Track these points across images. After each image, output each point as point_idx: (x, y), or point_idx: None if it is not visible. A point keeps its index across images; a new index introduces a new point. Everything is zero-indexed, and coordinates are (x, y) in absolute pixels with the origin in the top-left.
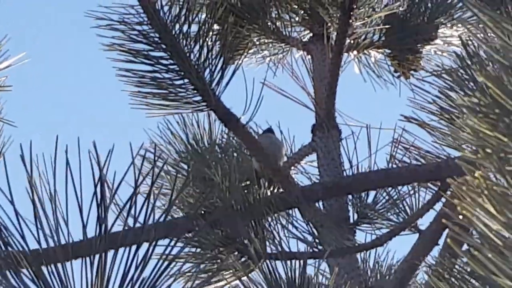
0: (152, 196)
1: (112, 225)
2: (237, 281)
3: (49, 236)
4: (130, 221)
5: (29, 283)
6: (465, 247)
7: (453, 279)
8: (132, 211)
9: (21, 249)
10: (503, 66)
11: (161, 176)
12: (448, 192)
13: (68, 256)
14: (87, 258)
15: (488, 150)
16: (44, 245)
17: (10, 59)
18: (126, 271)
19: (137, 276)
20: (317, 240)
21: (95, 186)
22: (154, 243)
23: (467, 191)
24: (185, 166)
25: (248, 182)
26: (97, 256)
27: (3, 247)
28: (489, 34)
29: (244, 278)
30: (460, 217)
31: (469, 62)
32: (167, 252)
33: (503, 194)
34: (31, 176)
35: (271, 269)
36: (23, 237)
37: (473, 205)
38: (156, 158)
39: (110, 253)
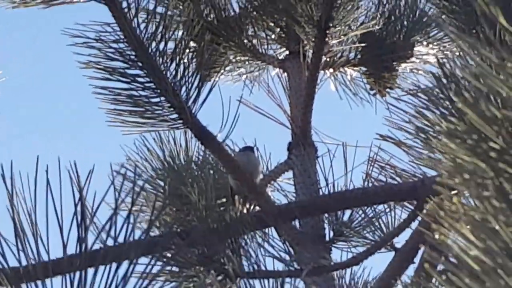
0: (131, 216)
1: (92, 245)
2: None
3: (29, 255)
4: (110, 241)
5: None
6: (440, 267)
7: None
8: (112, 231)
9: (0, 266)
10: (480, 92)
11: (139, 194)
12: (424, 211)
13: (48, 273)
14: (67, 276)
15: (466, 176)
16: (24, 263)
17: None
18: None
19: None
20: (293, 259)
21: (75, 206)
22: (134, 261)
23: (444, 216)
24: (162, 183)
25: (224, 200)
26: (77, 274)
27: None
28: (465, 57)
29: None
30: (436, 237)
31: (445, 82)
32: (147, 270)
33: (481, 219)
34: (11, 195)
35: (248, 287)
36: (3, 254)
37: (450, 230)
38: (135, 177)
39: (91, 271)
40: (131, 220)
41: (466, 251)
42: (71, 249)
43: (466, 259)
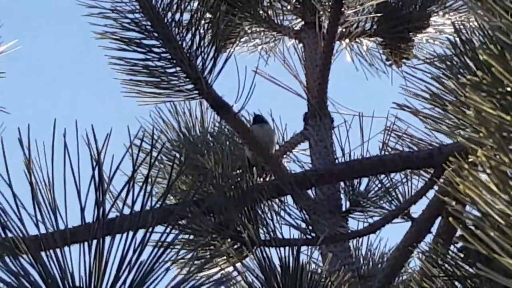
0: (149, 181)
1: (110, 209)
2: (231, 268)
3: (47, 219)
4: (126, 209)
5: (28, 268)
6: (459, 233)
7: (446, 265)
8: (129, 199)
9: (19, 233)
10: (505, 45)
11: (155, 165)
12: (441, 180)
13: (67, 241)
14: (85, 243)
15: (491, 129)
16: (42, 230)
17: (3, 46)
18: (124, 255)
19: (135, 260)
20: (310, 227)
21: (93, 170)
22: (150, 229)
23: (469, 169)
24: (177, 155)
25: (241, 171)
26: (95, 241)
27: (1, 231)
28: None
29: (238, 264)
30: (454, 203)
31: (462, 49)
32: (162, 238)
33: (506, 172)
34: (29, 160)
35: (265, 255)
36: (21, 220)
37: (475, 184)
38: (152, 146)
39: (108, 239)
40: (147, 188)
41: (491, 205)
42: (88, 214)
43: (491, 213)
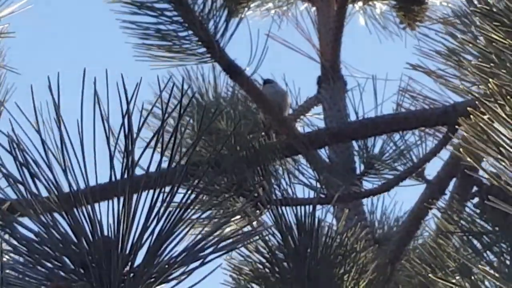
0: (179, 128)
1: (139, 159)
2: (248, 226)
3: (76, 176)
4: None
5: (58, 219)
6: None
7: (462, 222)
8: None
9: (51, 185)
10: None
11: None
12: (455, 141)
13: (96, 198)
14: (114, 197)
15: (503, 57)
16: (73, 185)
17: (13, 6)
18: (152, 206)
19: (163, 210)
20: (323, 187)
21: (123, 118)
22: (175, 189)
23: (482, 99)
24: (191, 121)
25: (254, 135)
26: (122, 199)
27: (32, 183)
28: None
29: (254, 222)
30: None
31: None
32: (186, 196)
33: None
34: (58, 107)
35: (281, 213)
36: (52, 172)
37: (489, 115)
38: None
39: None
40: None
41: (503, 134)
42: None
43: (503, 144)
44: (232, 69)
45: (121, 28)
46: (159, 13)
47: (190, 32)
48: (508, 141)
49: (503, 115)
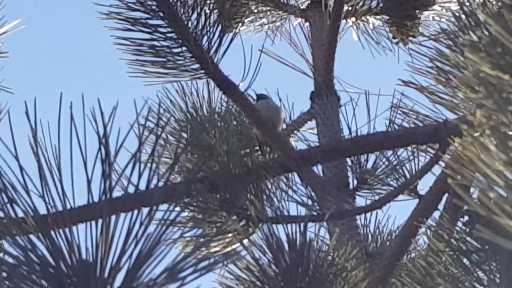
0: (156, 153)
1: (116, 183)
2: (237, 245)
3: (53, 198)
4: (131, 188)
5: (36, 242)
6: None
7: (452, 240)
8: (135, 176)
9: (28, 207)
10: (504, 4)
11: (161, 145)
12: (447, 156)
13: (74, 219)
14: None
15: (490, 89)
16: (50, 207)
17: (6, 25)
18: (130, 229)
19: (141, 233)
20: (316, 204)
21: (100, 142)
22: (155, 208)
23: (468, 130)
24: (185, 135)
25: (248, 150)
26: (100, 221)
27: (10, 206)
28: None
29: (245, 241)
30: (460, 177)
31: (464, 20)
32: (167, 215)
33: (504, 132)
34: (35, 134)
35: (272, 231)
36: (29, 195)
37: (474, 145)
38: (159, 116)
39: (113, 218)
40: (153, 165)
41: (491, 166)
42: (95, 188)
43: (489, 173)
44: (225, 85)
45: (115, 44)
46: (153, 30)
47: (184, 48)
48: (495, 172)
49: (490, 146)
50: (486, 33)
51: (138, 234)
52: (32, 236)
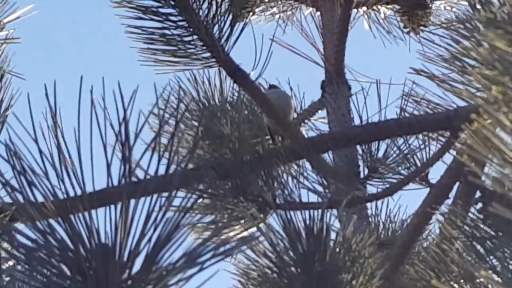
0: (175, 138)
1: (135, 167)
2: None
3: (73, 182)
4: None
5: (55, 226)
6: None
7: (466, 227)
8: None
9: (47, 192)
10: None
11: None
12: (458, 143)
13: (93, 203)
14: (111, 203)
15: (506, 65)
16: (70, 192)
17: (18, 11)
18: (149, 213)
19: (160, 217)
20: (327, 191)
21: (120, 125)
22: (173, 194)
23: (485, 106)
24: (196, 124)
25: (259, 139)
26: (119, 204)
27: (29, 190)
28: None
29: (262, 226)
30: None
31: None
32: (183, 202)
33: None
34: (55, 114)
35: (289, 217)
36: (48, 179)
37: (491, 123)
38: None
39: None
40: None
41: (505, 141)
42: (114, 172)
43: (505, 151)
44: (236, 74)
45: (126, 33)
46: (164, 18)
47: (195, 36)
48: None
49: (506, 122)
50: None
51: (157, 218)
52: (51, 220)
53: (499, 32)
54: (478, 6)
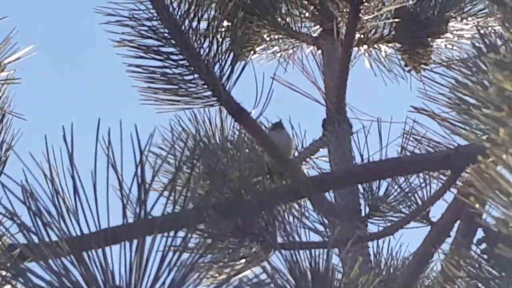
0: (191, 181)
1: (152, 208)
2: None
3: (88, 221)
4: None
5: (69, 267)
6: (481, 235)
7: (469, 267)
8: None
9: (61, 232)
10: None
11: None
12: (459, 183)
13: (108, 241)
14: (126, 242)
15: None
16: (85, 230)
17: (19, 52)
18: (164, 255)
19: (175, 260)
20: (328, 230)
21: (136, 168)
22: (170, 234)
23: (491, 148)
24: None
25: (260, 178)
26: (135, 241)
27: (44, 230)
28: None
29: (267, 267)
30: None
31: (485, 52)
32: (182, 243)
33: None
34: (71, 158)
35: (295, 257)
36: (63, 219)
37: (496, 164)
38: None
39: (148, 239)
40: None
41: None
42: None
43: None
44: (237, 112)
45: (127, 72)
46: (165, 57)
47: (196, 75)
48: None
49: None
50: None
51: (172, 260)
52: (65, 261)
53: (506, 73)
54: (482, 47)
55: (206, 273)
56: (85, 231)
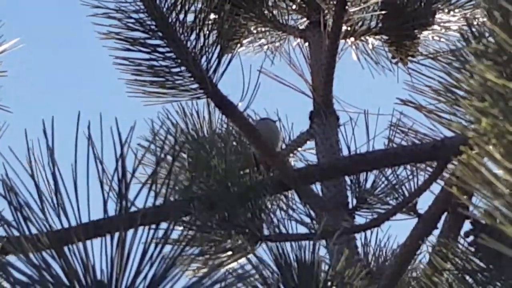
0: (172, 172)
1: (133, 202)
2: (244, 262)
3: (69, 215)
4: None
5: (50, 261)
6: (468, 227)
7: (457, 259)
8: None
9: (42, 226)
10: (509, 13)
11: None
12: (446, 173)
13: (89, 234)
14: (107, 236)
15: (495, 97)
16: (65, 224)
17: (5, 44)
18: (145, 249)
19: (156, 254)
20: (315, 222)
21: (117, 162)
22: (172, 224)
23: (474, 138)
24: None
25: (247, 171)
26: (117, 234)
27: (24, 224)
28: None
29: (253, 259)
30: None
31: (473, 42)
32: (179, 234)
33: (510, 141)
34: (52, 152)
35: (281, 250)
36: (43, 213)
37: (480, 154)
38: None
39: (130, 232)
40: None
41: (496, 176)
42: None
43: (495, 183)
44: (224, 105)
45: (114, 64)
46: (152, 49)
47: (183, 68)
48: (501, 180)
49: (496, 154)
50: (492, 41)
51: (153, 254)
52: (46, 256)
53: (489, 63)
54: (470, 37)
55: (189, 265)
56: (66, 225)
